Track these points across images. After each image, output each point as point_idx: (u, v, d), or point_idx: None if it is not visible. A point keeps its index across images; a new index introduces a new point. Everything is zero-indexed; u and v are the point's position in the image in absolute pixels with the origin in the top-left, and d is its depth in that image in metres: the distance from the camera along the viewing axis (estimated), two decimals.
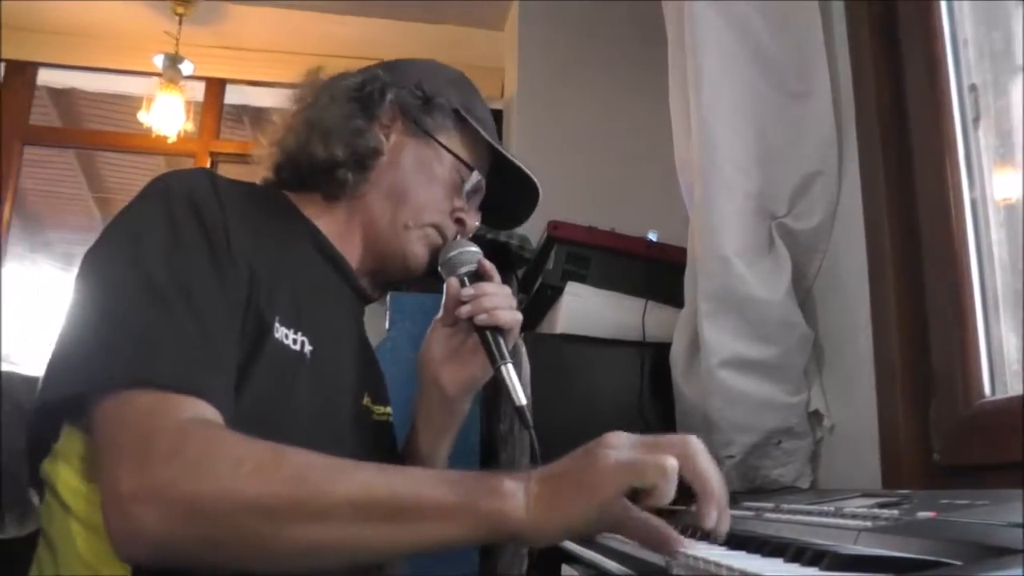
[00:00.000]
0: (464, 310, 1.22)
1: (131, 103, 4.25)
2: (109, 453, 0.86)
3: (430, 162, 1.30)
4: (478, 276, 1.27)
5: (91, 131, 5.13)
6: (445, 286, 1.27)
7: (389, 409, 1.38)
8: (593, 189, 2.93)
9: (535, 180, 1.38)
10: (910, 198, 1.55)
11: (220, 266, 1.00)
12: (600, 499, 0.80)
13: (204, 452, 0.84)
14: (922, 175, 1.53)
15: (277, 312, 1.06)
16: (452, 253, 1.27)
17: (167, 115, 3.93)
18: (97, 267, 0.99)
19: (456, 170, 1.31)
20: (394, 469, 0.88)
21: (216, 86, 4.32)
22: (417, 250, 1.29)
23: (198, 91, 4.25)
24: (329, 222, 1.27)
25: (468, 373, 1.26)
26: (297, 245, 1.21)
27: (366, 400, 1.29)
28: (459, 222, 1.32)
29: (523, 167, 1.37)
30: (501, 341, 1.20)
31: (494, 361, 1.19)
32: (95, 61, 4.23)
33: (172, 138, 3.96)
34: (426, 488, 0.84)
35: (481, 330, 1.21)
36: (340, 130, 1.24)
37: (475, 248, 1.29)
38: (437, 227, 1.29)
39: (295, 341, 1.08)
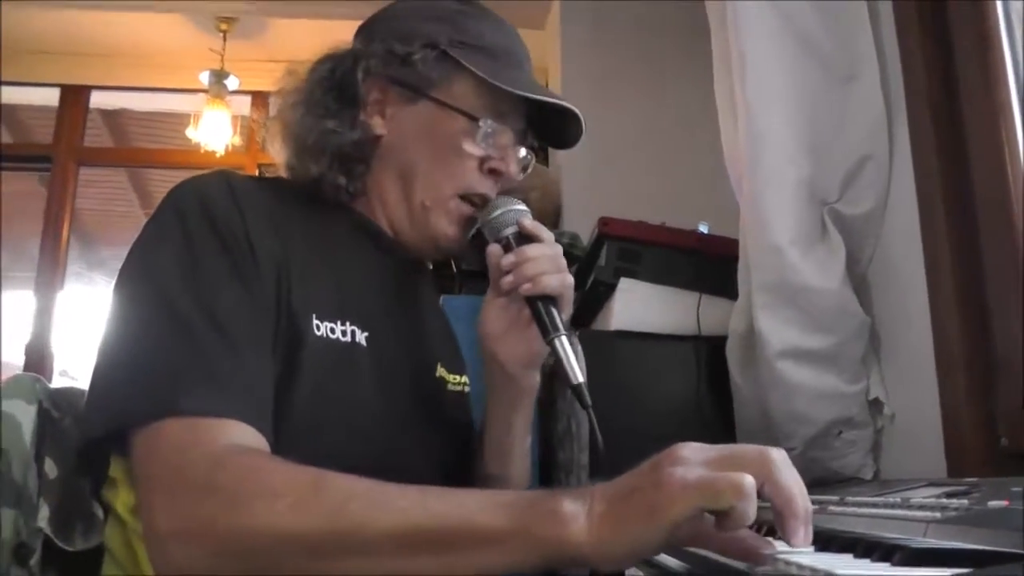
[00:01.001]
0: (506, 281, 1.09)
1: (179, 120, 4.33)
2: (145, 487, 0.85)
3: (434, 124, 1.16)
4: (523, 238, 1.12)
5: (141, 149, 5.24)
6: (487, 253, 1.14)
7: (465, 378, 1.30)
8: (642, 184, 2.92)
9: (564, 104, 1.18)
10: (964, 178, 1.52)
11: (243, 275, 0.96)
12: (668, 522, 0.70)
13: (240, 485, 0.80)
14: (976, 154, 1.50)
15: (314, 309, 1.02)
16: (492, 215, 1.13)
17: (215, 130, 4.00)
18: (121, 294, 0.97)
19: (467, 122, 1.15)
20: (442, 493, 0.79)
21: (262, 99, 4.37)
22: (445, 229, 1.17)
23: (244, 105, 4.31)
24: (361, 206, 1.19)
25: (525, 347, 1.14)
26: (334, 230, 1.15)
27: (439, 371, 1.23)
28: (492, 172, 1.18)
29: (537, 96, 1.16)
30: (553, 311, 1.07)
31: (546, 334, 1.06)
32: (143, 81, 4.32)
33: (220, 152, 4.03)
34: (476, 514, 0.76)
35: (531, 300, 1.08)
36: (314, 138, 1.13)
37: (519, 206, 1.14)
38: (464, 195, 1.16)
39: (344, 333, 1.05)
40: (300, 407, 0.98)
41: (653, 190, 2.91)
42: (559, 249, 1.12)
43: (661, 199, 2.69)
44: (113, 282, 0.99)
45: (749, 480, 0.70)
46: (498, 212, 1.13)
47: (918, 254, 1.61)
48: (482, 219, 1.15)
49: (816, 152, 1.79)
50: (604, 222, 2.09)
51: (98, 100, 4.49)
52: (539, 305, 1.07)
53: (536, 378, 1.20)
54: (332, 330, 1.04)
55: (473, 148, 1.15)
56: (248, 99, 4.35)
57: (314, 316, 1.02)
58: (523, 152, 1.21)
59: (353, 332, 1.06)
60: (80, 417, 1.02)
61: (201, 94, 4.07)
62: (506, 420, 1.20)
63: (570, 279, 1.10)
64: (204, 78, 4.04)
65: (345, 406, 1.03)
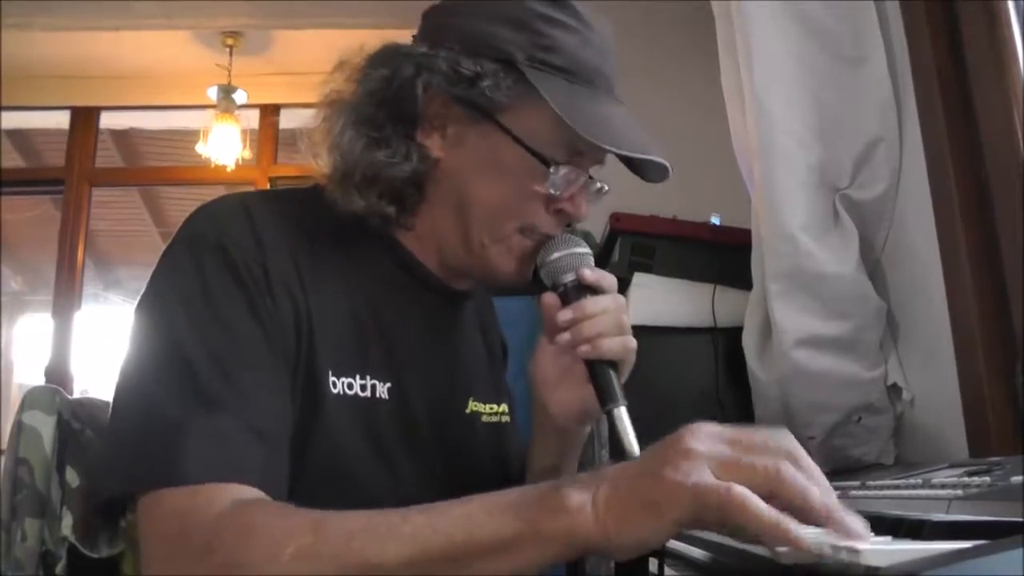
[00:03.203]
0: (563, 339, 0.99)
1: (188, 137, 4.35)
2: (147, 556, 0.82)
3: (500, 154, 1.02)
4: (584, 287, 1.01)
5: (152, 168, 5.27)
6: (541, 303, 1.04)
7: (503, 407, 1.21)
8: None
9: (653, 158, 1.02)
10: (976, 157, 1.51)
11: (260, 318, 0.91)
12: (669, 521, 0.68)
13: (240, 544, 0.76)
14: (987, 131, 1.49)
15: (331, 364, 0.96)
16: (551, 257, 1.02)
17: (224, 145, 4.01)
18: (136, 338, 0.92)
19: (538, 162, 1.01)
20: (446, 509, 0.76)
21: (270, 112, 4.38)
22: (505, 266, 1.05)
23: (253, 119, 4.32)
24: (404, 237, 1.08)
25: (579, 402, 1.04)
26: (367, 265, 1.06)
27: (472, 406, 1.15)
28: (559, 213, 1.05)
29: (619, 151, 1.00)
30: (612, 377, 0.96)
31: (603, 402, 0.95)
32: (152, 99, 4.33)
33: (231, 167, 4.04)
34: (482, 523, 0.73)
35: (588, 362, 0.98)
36: (362, 170, 1.01)
37: (582, 248, 1.03)
38: (526, 230, 1.04)
39: (363, 387, 0.99)
40: (315, 467, 0.94)
41: (664, 184, 2.90)
42: (622, 303, 1.01)
43: (672, 192, 2.68)
44: (131, 319, 0.95)
45: (747, 502, 0.66)
46: (557, 255, 1.02)
47: (932, 236, 1.60)
48: (540, 260, 1.04)
49: (826, 136, 1.78)
50: (616, 217, 2.09)
51: (107, 121, 4.51)
52: (597, 368, 0.97)
53: (586, 431, 1.13)
54: (350, 386, 0.98)
55: (542, 189, 1.02)
56: (256, 112, 4.36)
57: (330, 372, 0.96)
58: (596, 187, 1.09)
59: (374, 386, 1.00)
60: (91, 474, 1.01)
61: (210, 110, 4.08)
62: (552, 464, 1.12)
63: (633, 343, 1.00)
64: (212, 93, 4.05)
65: (363, 464, 0.98)
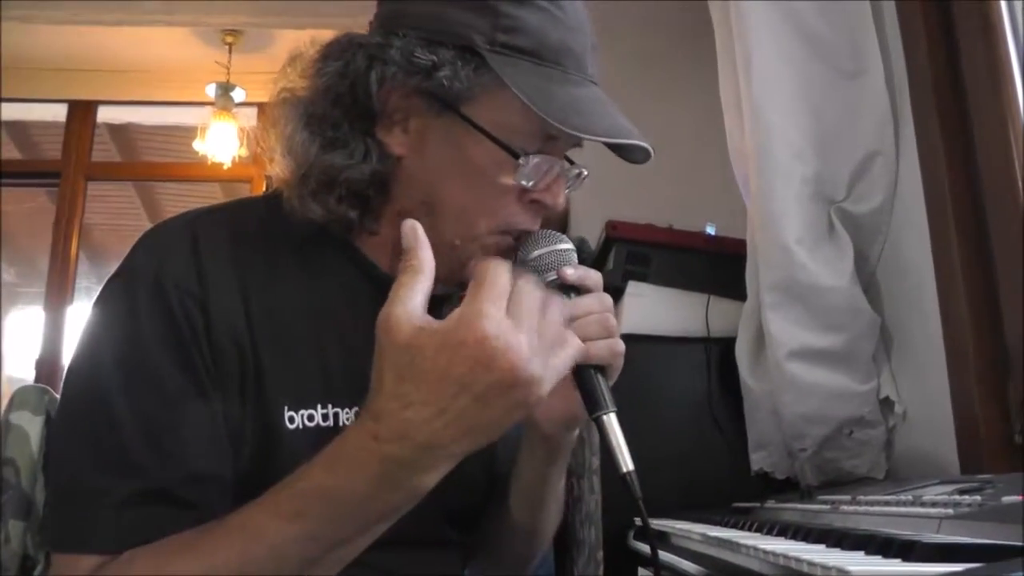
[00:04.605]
0: None
1: (186, 133, 4.35)
2: None
3: (466, 147, 0.93)
4: (568, 287, 0.94)
5: (149, 163, 5.26)
6: None
7: None
8: (648, 186, 2.90)
9: (632, 142, 0.95)
10: (972, 172, 1.51)
11: (193, 369, 0.87)
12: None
13: None
14: (984, 147, 1.49)
15: (287, 399, 0.91)
16: (532, 255, 0.94)
17: (221, 143, 4.01)
18: (71, 377, 0.90)
19: (507, 153, 0.93)
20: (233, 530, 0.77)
21: (268, 111, 4.37)
22: None
23: (251, 117, 4.32)
24: (369, 244, 1.01)
25: (564, 408, 0.95)
26: (329, 280, 0.99)
27: None
28: (535, 204, 0.97)
29: (592, 137, 0.92)
30: (600, 382, 0.89)
31: (591, 409, 0.88)
32: (150, 95, 4.33)
33: (227, 165, 4.04)
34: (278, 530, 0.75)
35: (574, 369, 0.86)
36: (317, 174, 0.94)
37: (564, 245, 0.95)
38: (502, 229, 0.96)
39: (325, 417, 0.92)
40: None
41: (660, 192, 2.90)
42: (609, 303, 0.94)
43: (668, 201, 2.68)
44: (74, 347, 0.92)
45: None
46: (537, 253, 0.94)
47: (927, 251, 1.60)
48: (519, 257, 0.95)
49: (823, 148, 1.78)
50: (612, 225, 2.09)
51: (105, 115, 4.51)
52: (583, 374, 0.89)
53: (574, 436, 1.06)
54: (311, 417, 0.92)
55: (513, 181, 0.93)
56: (254, 111, 4.36)
57: (286, 408, 0.90)
58: (575, 172, 1.02)
59: (336, 415, 0.93)
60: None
61: (208, 107, 4.08)
62: (540, 473, 1.06)
63: (621, 346, 0.93)
64: (210, 91, 4.05)
65: None
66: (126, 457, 0.83)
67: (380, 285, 0.93)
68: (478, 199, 0.94)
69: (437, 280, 0.95)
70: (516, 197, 0.95)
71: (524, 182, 0.93)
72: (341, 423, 0.92)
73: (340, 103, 0.94)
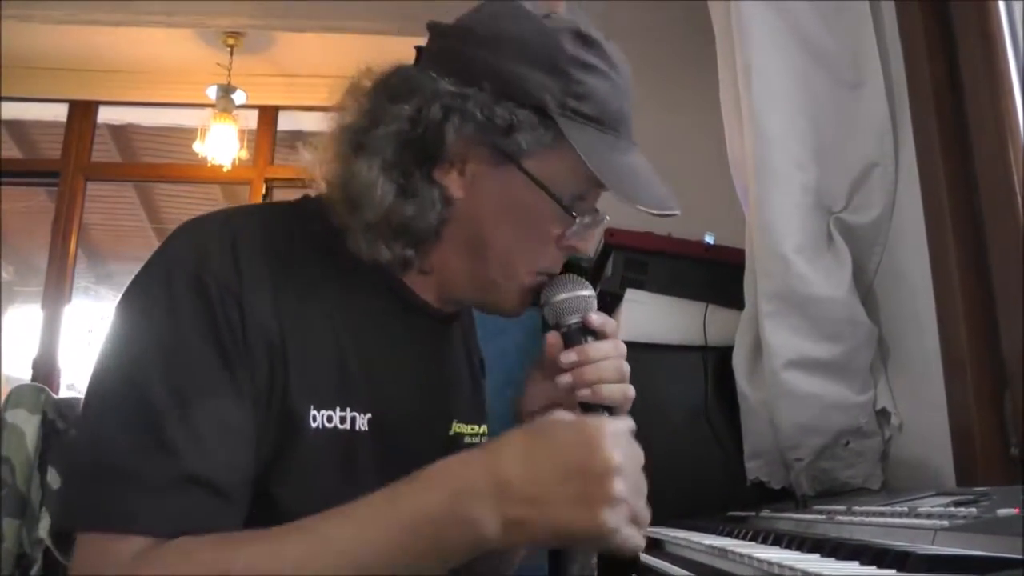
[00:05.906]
0: (563, 381, 0.99)
1: (186, 135, 4.34)
2: None
3: (521, 199, 0.99)
4: (587, 330, 1.01)
5: (149, 164, 5.25)
6: (545, 340, 1.03)
7: (483, 428, 1.20)
8: None
9: (672, 213, 1.01)
10: (971, 184, 1.51)
11: (229, 362, 0.89)
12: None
13: None
14: (983, 159, 1.49)
15: (312, 398, 0.94)
16: (558, 297, 1.02)
17: (222, 144, 4.01)
18: (106, 356, 0.92)
19: (563, 212, 1.01)
20: (338, 531, 0.83)
21: (269, 113, 4.38)
22: (511, 303, 1.05)
23: (251, 119, 4.32)
24: (412, 277, 1.06)
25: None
26: (355, 291, 1.02)
27: (455, 427, 1.13)
28: (567, 249, 1.05)
29: (645, 208, 0.99)
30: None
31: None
32: (151, 96, 4.33)
33: (227, 167, 4.04)
34: (381, 548, 0.81)
35: (585, 405, 0.99)
36: (395, 220, 0.98)
37: (586, 292, 1.03)
38: (538, 271, 1.04)
39: (343, 420, 0.96)
40: (289, 502, 0.92)
41: None
42: (623, 349, 1.02)
43: None
44: (107, 328, 0.94)
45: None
46: (563, 297, 1.02)
47: (925, 262, 1.60)
48: (544, 298, 1.03)
49: (822, 158, 1.79)
50: (610, 233, 2.09)
51: (106, 115, 4.51)
52: (594, 413, 0.98)
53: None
54: (330, 419, 0.96)
55: (560, 232, 1.02)
56: (255, 113, 4.36)
57: (312, 407, 0.94)
58: (602, 220, 1.08)
59: (353, 419, 0.97)
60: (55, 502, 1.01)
61: (208, 109, 4.07)
62: (493, 565, 1.11)
63: (631, 391, 1.01)
64: (211, 93, 4.05)
65: (334, 499, 0.92)
66: (166, 441, 0.84)
67: (408, 302, 1.05)
68: (525, 244, 1.02)
69: (462, 304, 1.09)
70: (555, 243, 1.03)
71: (570, 235, 1.02)
72: (357, 427, 0.97)
73: (409, 148, 0.98)
